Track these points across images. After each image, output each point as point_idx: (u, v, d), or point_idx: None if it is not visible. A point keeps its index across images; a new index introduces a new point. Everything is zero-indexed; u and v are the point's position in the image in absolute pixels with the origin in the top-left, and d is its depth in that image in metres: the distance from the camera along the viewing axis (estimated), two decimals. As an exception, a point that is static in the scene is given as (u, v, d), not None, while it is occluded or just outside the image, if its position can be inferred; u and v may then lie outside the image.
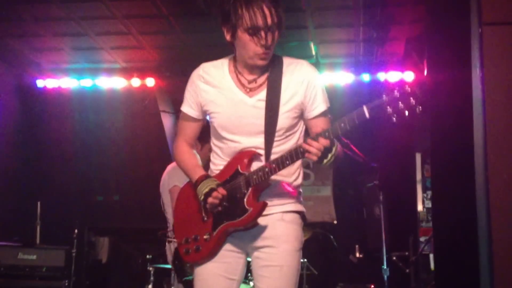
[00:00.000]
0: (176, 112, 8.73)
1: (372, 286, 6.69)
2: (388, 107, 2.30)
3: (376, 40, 6.52)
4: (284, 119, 2.65)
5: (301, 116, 2.72)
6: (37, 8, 6.66)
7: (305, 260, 5.96)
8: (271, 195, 2.67)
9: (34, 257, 6.25)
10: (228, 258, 2.71)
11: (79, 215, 7.61)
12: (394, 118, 2.31)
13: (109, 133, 8.44)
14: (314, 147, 2.41)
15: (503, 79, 3.20)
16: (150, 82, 8.03)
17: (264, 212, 2.62)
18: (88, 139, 8.46)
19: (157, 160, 8.19)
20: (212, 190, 2.59)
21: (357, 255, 7.46)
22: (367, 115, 2.32)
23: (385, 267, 5.61)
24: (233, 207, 2.62)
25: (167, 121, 8.50)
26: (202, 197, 2.60)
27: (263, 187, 2.63)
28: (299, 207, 2.76)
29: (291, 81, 2.66)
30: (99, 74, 8.14)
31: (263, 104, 2.65)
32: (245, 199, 2.60)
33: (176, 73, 7.98)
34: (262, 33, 2.54)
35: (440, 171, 4.29)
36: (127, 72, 8.06)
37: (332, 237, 6.96)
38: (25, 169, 8.25)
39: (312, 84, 2.68)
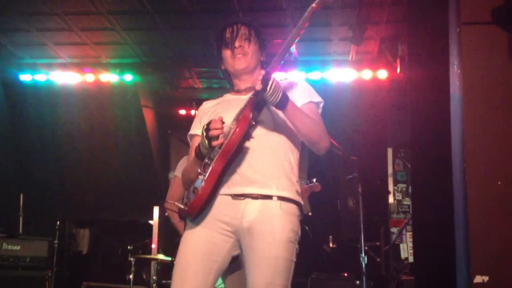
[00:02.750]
0: (158, 107, 8.87)
1: (345, 274, 6.87)
2: None
3: (352, 40, 6.71)
4: (269, 111, 2.75)
5: None
6: (21, 3, 6.68)
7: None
8: (269, 176, 2.66)
9: (18, 247, 6.30)
10: (215, 239, 2.66)
11: (60, 207, 7.69)
12: None
13: (90, 127, 8.52)
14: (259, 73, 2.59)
15: (480, 76, 3.32)
16: (132, 77, 8.16)
17: (262, 193, 2.64)
18: (69, 133, 8.53)
19: (138, 154, 8.34)
20: (210, 121, 2.58)
21: (331, 245, 7.64)
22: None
23: (363, 255, 5.79)
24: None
25: (148, 116, 8.62)
26: (204, 133, 2.56)
27: (248, 113, 2.60)
28: (297, 197, 2.74)
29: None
30: (82, 69, 8.21)
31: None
32: (232, 128, 2.59)
33: (158, 69, 8.14)
34: (230, 40, 2.87)
35: (419, 165, 4.36)
36: (110, 67, 8.16)
37: (307, 228, 7.09)
38: (8, 162, 8.28)
39: (299, 86, 2.87)
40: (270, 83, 2.52)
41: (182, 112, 8.94)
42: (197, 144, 2.68)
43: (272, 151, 2.72)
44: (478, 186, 3.26)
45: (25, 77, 8.36)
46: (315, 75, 7.80)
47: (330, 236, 7.72)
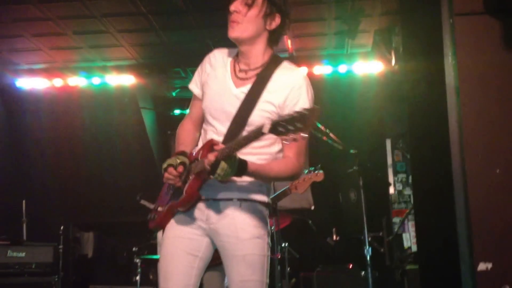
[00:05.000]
0: (156, 109, 8.89)
1: (350, 266, 6.92)
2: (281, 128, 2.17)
3: (347, 33, 6.74)
4: (257, 116, 2.60)
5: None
6: (14, 9, 6.66)
7: (286, 244, 6.12)
8: (231, 182, 2.63)
9: (23, 254, 6.31)
10: (191, 235, 2.69)
11: (63, 211, 7.72)
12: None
13: (89, 131, 8.53)
14: (208, 157, 2.44)
15: (475, 66, 3.38)
16: (129, 79, 8.18)
17: (222, 197, 2.65)
18: (69, 137, 8.53)
19: (138, 156, 8.36)
20: (169, 166, 2.61)
21: (334, 238, 7.68)
22: (265, 130, 2.22)
23: (367, 247, 5.83)
24: (182, 189, 2.64)
25: (147, 118, 8.64)
26: (162, 170, 2.64)
27: (203, 177, 2.58)
28: (260, 197, 2.71)
29: (278, 82, 2.63)
30: (78, 73, 8.23)
31: (243, 96, 2.65)
32: (186, 184, 2.62)
33: (155, 71, 8.16)
34: (229, 2, 2.65)
35: (418, 156, 4.39)
36: (106, 70, 8.16)
37: (310, 222, 7.13)
38: (8, 168, 8.30)
39: (297, 90, 2.61)
40: (218, 172, 2.40)
41: (181, 112, 8.95)
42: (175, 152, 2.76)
43: None
44: (477, 174, 3.31)
45: (22, 83, 8.37)
46: (310, 69, 7.82)
47: (334, 229, 7.76)
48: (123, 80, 8.19)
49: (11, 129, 8.44)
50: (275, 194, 5.03)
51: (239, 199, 2.66)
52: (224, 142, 2.59)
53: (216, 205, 2.68)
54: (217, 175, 2.41)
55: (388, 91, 7.79)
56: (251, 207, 2.68)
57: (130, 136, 8.52)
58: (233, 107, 2.65)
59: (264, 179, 2.67)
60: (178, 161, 2.63)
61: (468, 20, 3.42)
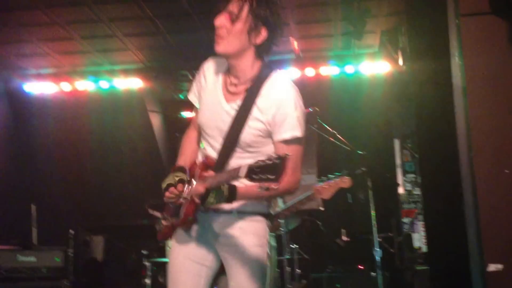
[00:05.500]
0: (164, 111, 8.90)
1: (360, 266, 6.90)
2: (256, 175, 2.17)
3: (353, 34, 6.73)
4: (248, 134, 2.58)
5: (268, 135, 2.62)
6: (22, 15, 6.73)
7: (296, 245, 6.11)
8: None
9: (33, 258, 6.33)
10: (199, 243, 2.72)
11: (73, 215, 7.74)
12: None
13: (97, 134, 8.57)
14: (197, 189, 2.51)
15: (481, 66, 3.40)
16: (137, 83, 8.21)
17: (221, 209, 2.65)
18: (77, 141, 8.56)
19: (146, 159, 8.37)
20: (169, 186, 2.62)
21: (344, 238, 7.66)
22: (242, 174, 2.22)
23: (377, 248, 5.81)
24: (183, 205, 2.68)
25: (155, 120, 8.65)
26: (162, 191, 2.65)
27: (197, 203, 2.60)
28: (259, 208, 2.71)
29: (266, 98, 2.59)
30: (86, 77, 8.27)
31: (234, 113, 2.62)
32: (184, 205, 2.66)
33: (162, 73, 8.18)
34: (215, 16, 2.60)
35: (427, 157, 4.35)
36: (114, 74, 8.20)
37: (319, 222, 7.12)
38: (18, 173, 8.33)
39: (284, 108, 2.57)
40: (208, 201, 2.49)
41: (188, 114, 8.95)
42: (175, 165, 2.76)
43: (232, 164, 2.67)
44: (486, 175, 3.31)
45: (30, 88, 8.42)
46: (317, 71, 7.82)
47: (343, 230, 7.74)
48: (130, 83, 8.23)
49: (19, 133, 8.48)
50: (299, 199, 4.96)
51: (238, 212, 2.68)
52: (218, 159, 2.64)
53: (216, 216, 2.69)
54: (209, 203, 2.49)
55: (396, 91, 7.77)
56: (249, 216, 2.69)
57: (138, 139, 8.54)
58: (224, 124, 2.64)
59: (258, 199, 2.67)
60: (177, 179, 2.64)
61: (474, 20, 3.44)
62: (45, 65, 8.14)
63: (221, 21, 2.56)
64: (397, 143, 8.17)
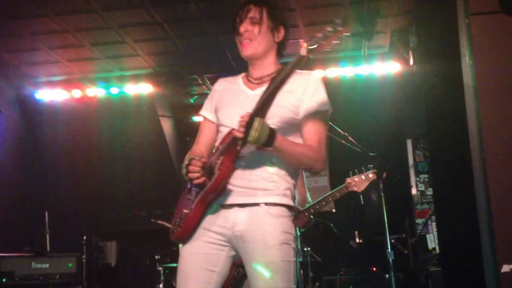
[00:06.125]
0: (175, 116, 8.93)
1: (374, 268, 6.87)
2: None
3: (363, 34, 6.69)
4: (276, 106, 2.63)
5: (295, 115, 2.73)
6: (32, 23, 6.74)
7: (309, 248, 6.08)
8: (256, 187, 2.67)
9: (47, 265, 6.36)
10: (209, 249, 2.69)
11: (86, 221, 7.76)
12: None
13: (109, 140, 8.60)
14: (242, 118, 2.48)
15: (492, 65, 3.37)
16: (147, 88, 8.24)
17: (248, 201, 2.65)
18: (89, 148, 8.60)
19: (158, 163, 8.39)
20: (192, 159, 2.66)
21: (357, 240, 7.64)
22: (304, 53, 2.42)
23: (389, 250, 5.77)
24: (209, 178, 2.65)
25: (166, 125, 8.68)
26: (184, 170, 2.67)
27: (232, 153, 2.62)
28: (286, 200, 2.71)
29: (294, 83, 2.68)
30: (96, 83, 8.31)
31: (261, 94, 2.67)
32: (216, 166, 2.64)
33: (172, 78, 8.20)
34: (238, 25, 2.81)
35: (438, 157, 4.38)
36: (124, 80, 8.23)
37: (332, 225, 7.10)
38: (31, 180, 8.38)
39: (313, 87, 2.73)
40: (251, 132, 2.44)
41: (199, 118, 8.96)
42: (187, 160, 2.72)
43: (259, 159, 2.70)
44: (499, 175, 3.29)
45: (41, 95, 8.47)
46: (328, 72, 7.81)
47: (356, 232, 7.71)
48: (141, 89, 8.25)
49: (31, 141, 8.53)
50: (330, 192, 4.86)
51: (266, 204, 2.66)
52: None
53: (243, 211, 2.67)
54: (251, 137, 2.44)
55: (407, 91, 7.74)
56: (278, 212, 2.67)
57: (149, 144, 8.57)
58: (250, 107, 2.62)
59: (289, 156, 2.65)
60: (197, 157, 2.69)
61: (484, 19, 3.42)
62: (56, 73, 8.17)
63: (245, 26, 2.80)
64: (409, 144, 8.14)
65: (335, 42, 2.40)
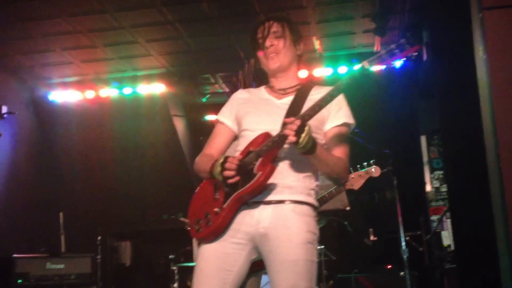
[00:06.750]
0: (187, 115, 8.95)
1: (389, 266, 6.82)
2: (386, 55, 2.66)
3: (376, 31, 6.66)
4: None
5: (321, 123, 2.80)
6: (45, 24, 6.81)
7: (323, 246, 6.04)
8: (282, 184, 2.69)
9: (62, 266, 6.41)
10: (229, 249, 2.68)
11: (100, 222, 7.79)
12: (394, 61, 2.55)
13: (122, 141, 8.63)
14: (291, 123, 2.51)
15: (506, 60, 3.30)
16: (160, 88, 8.26)
17: (274, 198, 2.67)
18: (102, 148, 8.63)
19: (172, 163, 8.39)
20: (227, 157, 2.66)
21: (371, 238, 7.59)
22: (367, 65, 2.62)
23: (404, 248, 5.74)
24: (244, 178, 2.64)
25: (179, 125, 8.68)
26: (219, 168, 2.64)
27: (272, 156, 2.66)
28: (311, 199, 2.74)
29: (318, 95, 2.69)
30: (109, 84, 8.36)
31: (287, 106, 2.81)
32: (254, 168, 2.63)
33: (185, 78, 8.21)
34: (261, 40, 2.90)
35: (452, 153, 4.36)
36: (137, 80, 8.27)
37: (346, 223, 7.06)
38: (45, 181, 8.42)
39: (337, 99, 2.73)
40: (303, 136, 2.49)
41: (212, 117, 8.98)
42: (212, 162, 2.73)
43: (285, 157, 2.72)
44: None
45: (55, 96, 8.52)
46: (342, 69, 7.77)
47: (371, 229, 7.67)
48: (153, 88, 8.28)
49: (45, 142, 8.58)
50: (329, 191, 4.83)
51: (292, 201, 2.67)
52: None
53: (268, 208, 2.68)
54: (302, 142, 2.48)
55: (421, 87, 7.68)
56: (304, 210, 2.68)
57: (163, 144, 8.58)
58: (277, 115, 2.77)
59: (324, 165, 2.69)
60: (232, 156, 2.70)
61: (498, 13, 3.35)
62: (69, 74, 8.24)
63: (271, 41, 2.89)
64: (423, 140, 8.08)
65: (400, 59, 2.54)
